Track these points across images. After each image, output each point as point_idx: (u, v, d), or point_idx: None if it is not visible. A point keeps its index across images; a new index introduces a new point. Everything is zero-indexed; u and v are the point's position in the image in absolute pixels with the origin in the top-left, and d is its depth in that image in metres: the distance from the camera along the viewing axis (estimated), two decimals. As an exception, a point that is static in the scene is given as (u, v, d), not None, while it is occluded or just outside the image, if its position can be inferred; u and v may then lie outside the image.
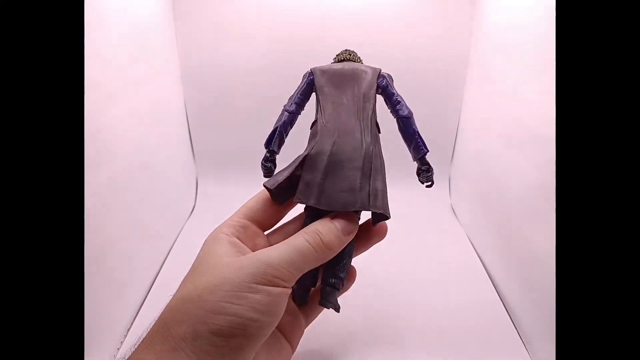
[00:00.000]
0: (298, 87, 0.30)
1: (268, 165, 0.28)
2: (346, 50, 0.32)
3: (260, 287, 0.22)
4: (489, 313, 0.37)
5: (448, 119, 0.56)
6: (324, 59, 0.54)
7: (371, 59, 0.56)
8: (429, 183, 0.29)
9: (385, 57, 0.53)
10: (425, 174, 0.29)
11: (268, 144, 0.28)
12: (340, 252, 0.26)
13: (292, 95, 0.29)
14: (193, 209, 0.54)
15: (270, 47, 0.52)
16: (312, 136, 0.28)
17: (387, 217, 0.27)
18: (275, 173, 0.28)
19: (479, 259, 0.45)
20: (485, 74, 0.47)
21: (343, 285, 0.28)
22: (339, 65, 0.30)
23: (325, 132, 0.27)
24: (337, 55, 0.32)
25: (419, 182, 0.29)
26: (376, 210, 0.25)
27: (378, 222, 0.28)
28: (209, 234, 0.26)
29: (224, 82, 0.54)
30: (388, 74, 0.30)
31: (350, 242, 0.27)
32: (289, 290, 0.23)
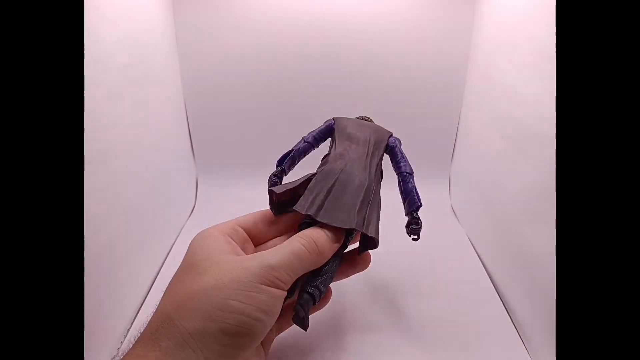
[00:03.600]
0: (319, 127, 0.33)
1: (275, 180, 0.31)
2: (366, 116, 0.36)
3: (264, 287, 0.22)
4: (489, 313, 0.37)
5: (448, 119, 0.56)
6: (324, 59, 0.55)
7: (372, 58, 0.56)
8: (416, 237, 0.31)
9: (385, 57, 0.54)
10: (414, 226, 0.31)
11: (280, 162, 0.32)
12: (326, 266, 0.27)
13: (312, 131, 0.33)
14: (193, 209, 0.54)
15: (270, 47, 0.52)
16: (322, 164, 0.31)
17: (376, 246, 0.29)
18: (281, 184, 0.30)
19: (479, 259, 0.45)
20: (485, 74, 0.47)
21: (320, 299, 0.28)
22: (358, 121, 0.34)
23: (336, 160, 0.30)
24: (358, 117, 0.36)
25: (407, 234, 0.31)
26: (368, 234, 0.27)
27: (364, 251, 0.30)
28: (199, 232, 0.27)
29: (224, 82, 0.54)
30: (397, 138, 0.34)
31: (336, 259, 0.28)
32: (285, 293, 0.24)
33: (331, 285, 0.29)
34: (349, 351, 0.33)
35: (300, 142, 0.32)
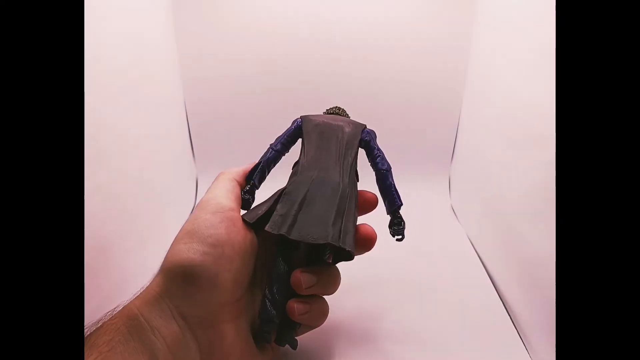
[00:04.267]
0: (286, 130, 0.31)
1: (247, 198, 0.29)
2: (336, 106, 0.33)
3: None
4: (489, 313, 0.37)
5: (448, 119, 0.56)
6: (324, 59, 0.54)
7: (372, 60, 0.56)
8: (400, 237, 0.29)
9: (386, 58, 0.54)
10: (397, 227, 0.29)
11: (250, 177, 0.29)
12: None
13: (280, 136, 0.31)
14: (193, 209, 0.54)
15: (270, 47, 0.52)
16: (293, 174, 0.29)
17: (351, 258, 0.28)
18: (253, 207, 0.29)
19: (479, 259, 0.45)
20: (485, 74, 0.47)
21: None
22: (328, 117, 0.32)
23: (306, 170, 0.28)
24: (328, 109, 0.33)
25: (390, 235, 0.30)
26: (345, 247, 0.26)
27: (338, 262, 0.29)
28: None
29: (224, 82, 0.54)
30: (372, 130, 0.32)
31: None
32: None
33: None
34: (345, 352, 0.33)
35: (268, 151, 0.30)
